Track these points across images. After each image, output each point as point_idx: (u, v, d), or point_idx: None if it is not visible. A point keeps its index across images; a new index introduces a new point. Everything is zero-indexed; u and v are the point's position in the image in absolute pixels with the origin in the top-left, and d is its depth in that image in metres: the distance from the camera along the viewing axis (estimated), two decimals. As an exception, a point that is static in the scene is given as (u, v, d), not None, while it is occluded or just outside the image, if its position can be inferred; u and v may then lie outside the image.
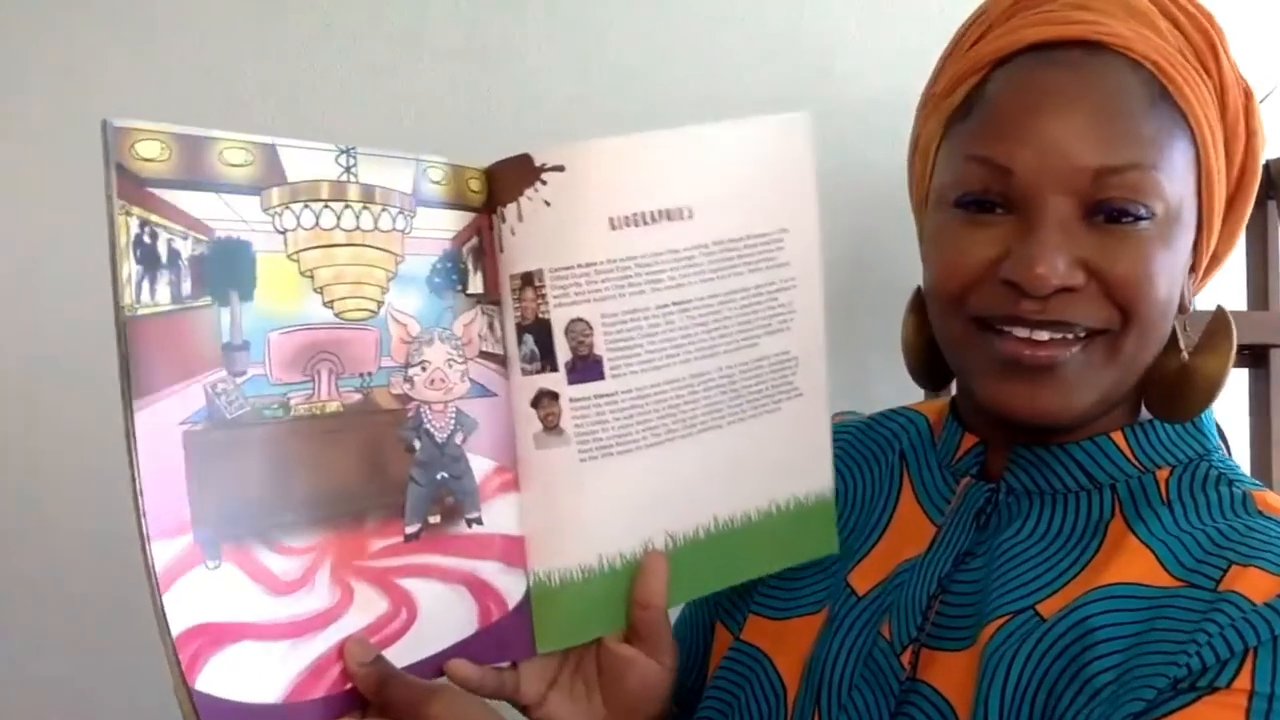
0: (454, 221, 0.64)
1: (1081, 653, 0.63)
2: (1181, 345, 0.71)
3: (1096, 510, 0.69)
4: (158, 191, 0.52)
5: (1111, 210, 0.64)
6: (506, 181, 0.64)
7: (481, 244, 0.65)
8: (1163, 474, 0.70)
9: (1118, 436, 0.70)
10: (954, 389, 0.83)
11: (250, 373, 0.56)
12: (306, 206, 0.58)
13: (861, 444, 0.83)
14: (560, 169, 0.63)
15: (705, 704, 0.77)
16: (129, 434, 0.51)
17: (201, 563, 0.53)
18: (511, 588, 0.66)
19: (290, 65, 1.26)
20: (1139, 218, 0.64)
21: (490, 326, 0.65)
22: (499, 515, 0.65)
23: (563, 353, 0.64)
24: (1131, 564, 0.65)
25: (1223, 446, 0.73)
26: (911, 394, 1.00)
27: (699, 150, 0.65)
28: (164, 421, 0.52)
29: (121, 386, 0.51)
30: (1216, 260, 0.73)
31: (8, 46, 1.29)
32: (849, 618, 0.73)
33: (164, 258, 0.53)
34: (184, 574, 0.52)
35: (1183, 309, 0.70)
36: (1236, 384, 1.22)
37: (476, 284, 0.65)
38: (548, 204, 0.63)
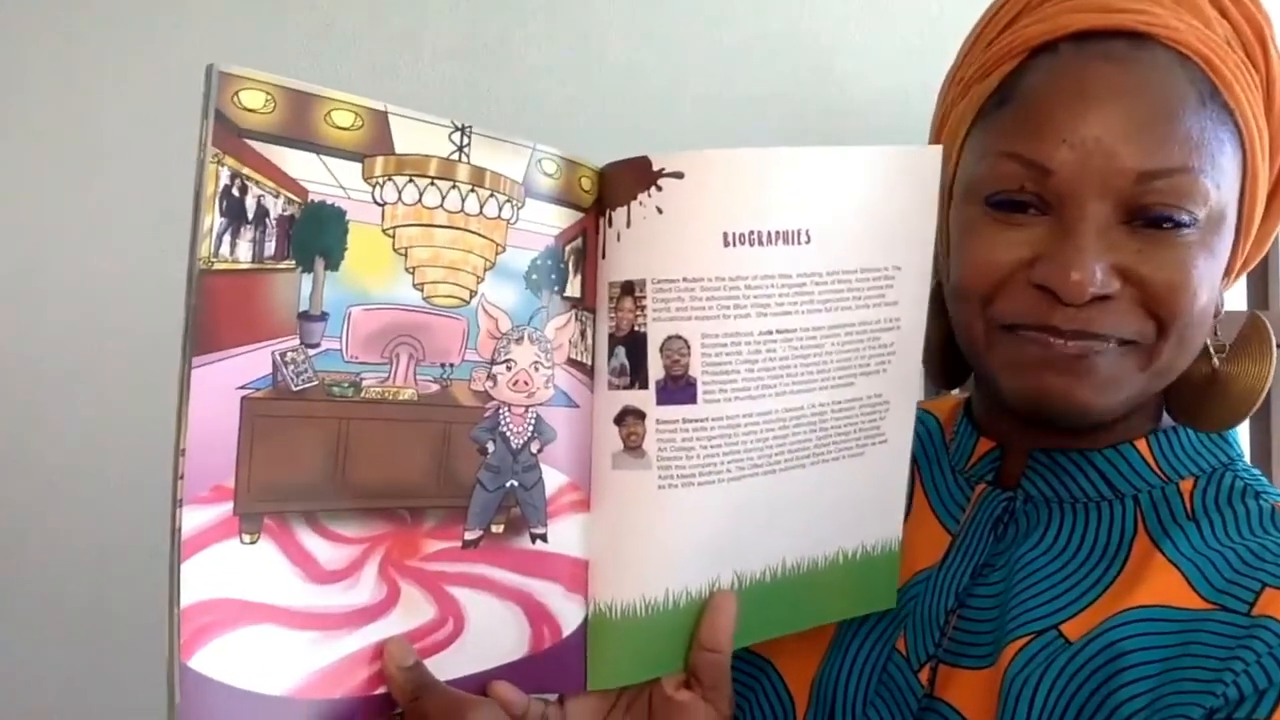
0: (560, 218, 0.60)
1: (1110, 679, 0.60)
2: (1211, 350, 0.68)
3: (1118, 523, 0.67)
4: (254, 144, 0.50)
5: (1153, 215, 0.61)
6: (620, 183, 0.60)
7: (585, 246, 0.61)
8: (1186, 485, 0.67)
9: (1141, 444, 0.68)
10: (961, 390, 0.79)
11: (324, 346, 0.53)
12: (411, 181, 0.55)
13: None
14: (679, 176, 0.59)
15: None
16: (182, 391, 0.48)
17: (236, 535, 0.50)
18: (568, 614, 0.61)
19: (290, 65, 1.26)
20: (1182, 224, 0.61)
21: (583, 334, 0.61)
22: (565, 535, 0.61)
23: (655, 370, 0.60)
24: (1160, 584, 0.63)
25: (1245, 453, 0.71)
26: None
27: (826, 172, 0.60)
28: (222, 383, 0.49)
29: (183, 341, 0.48)
30: (1248, 262, 0.69)
31: (8, 46, 1.31)
32: (861, 630, 0.71)
33: (250, 213, 0.50)
34: (213, 544, 0.49)
35: (1215, 313, 0.67)
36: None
37: (574, 287, 0.61)
38: (660, 211, 0.59)
